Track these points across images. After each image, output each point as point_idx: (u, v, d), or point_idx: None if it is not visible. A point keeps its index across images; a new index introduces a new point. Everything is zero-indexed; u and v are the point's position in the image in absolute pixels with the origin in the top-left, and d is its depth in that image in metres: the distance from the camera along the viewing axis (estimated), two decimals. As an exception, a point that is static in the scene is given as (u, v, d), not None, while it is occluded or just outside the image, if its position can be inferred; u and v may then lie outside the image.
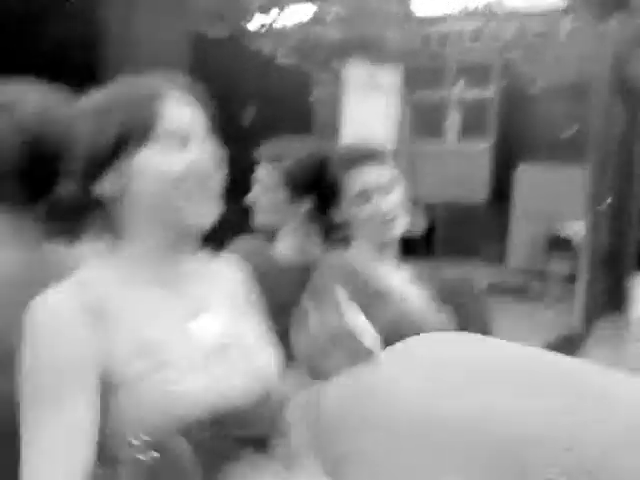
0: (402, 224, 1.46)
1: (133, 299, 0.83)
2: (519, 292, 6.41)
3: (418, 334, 1.35)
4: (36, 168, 0.97)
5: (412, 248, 1.76)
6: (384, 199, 1.43)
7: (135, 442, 0.70)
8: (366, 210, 1.43)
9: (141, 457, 0.67)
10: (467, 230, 8.38)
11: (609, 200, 5.44)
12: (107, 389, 0.76)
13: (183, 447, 0.71)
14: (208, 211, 0.87)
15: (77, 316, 0.77)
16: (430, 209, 8.06)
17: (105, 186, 0.85)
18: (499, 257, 7.96)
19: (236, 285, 1.01)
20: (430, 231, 8.10)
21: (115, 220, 0.88)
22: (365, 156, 1.46)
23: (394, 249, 1.52)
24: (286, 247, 1.53)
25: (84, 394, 0.74)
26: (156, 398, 0.76)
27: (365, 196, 1.43)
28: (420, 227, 7.95)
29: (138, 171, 0.84)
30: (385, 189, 1.44)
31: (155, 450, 0.68)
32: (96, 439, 0.74)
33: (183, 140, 0.86)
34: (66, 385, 0.74)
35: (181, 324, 0.85)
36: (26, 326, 0.75)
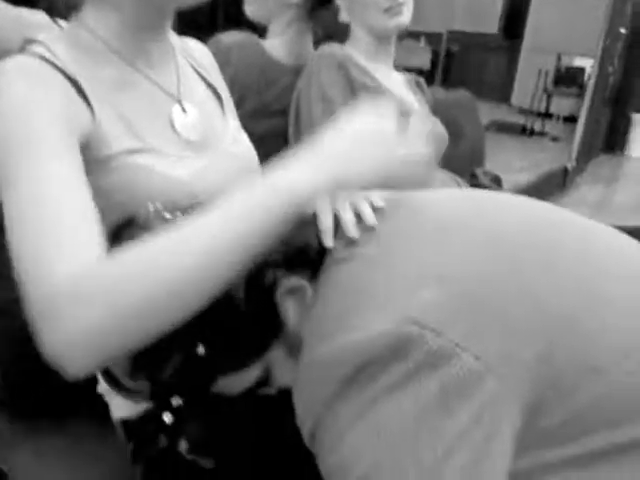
0: (406, 16, 1.35)
1: (108, 76, 0.75)
2: (520, 130, 6.33)
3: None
4: None
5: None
6: None
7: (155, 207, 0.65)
8: None
9: (167, 215, 0.63)
10: (473, 65, 8.05)
11: (623, 30, 5.14)
12: (94, 166, 0.70)
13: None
14: None
15: (49, 77, 0.68)
16: (435, 39, 7.67)
17: None
18: (503, 96, 7.73)
19: (210, 75, 0.95)
20: (434, 63, 7.78)
21: None
22: None
23: (392, 49, 1.44)
24: (277, 45, 1.41)
25: (71, 153, 0.65)
26: (147, 179, 0.73)
27: None
28: (425, 60, 7.64)
29: None
30: None
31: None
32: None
33: None
34: (51, 141, 0.63)
35: (161, 111, 0.80)
36: None
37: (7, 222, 0.60)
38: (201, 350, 0.61)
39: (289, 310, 0.65)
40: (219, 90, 0.94)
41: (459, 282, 0.56)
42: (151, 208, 0.64)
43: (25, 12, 1.04)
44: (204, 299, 0.57)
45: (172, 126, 0.80)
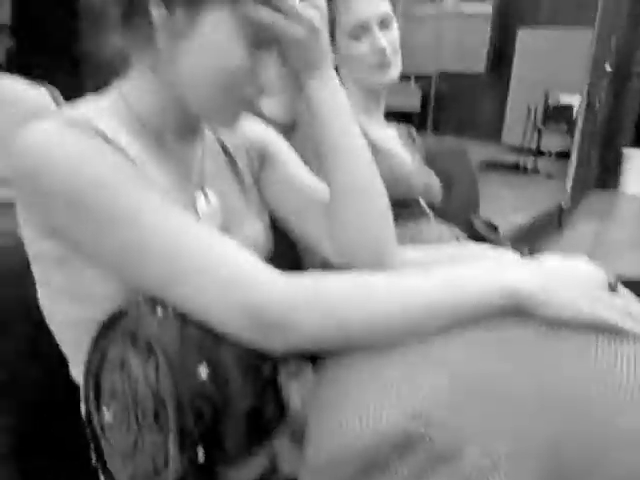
0: (396, 69, 1.37)
1: (139, 152, 0.71)
2: (513, 168, 6.38)
3: (406, 192, 1.34)
4: None
5: (406, 122, 1.69)
6: (383, 34, 1.32)
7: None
8: (363, 45, 1.32)
9: (159, 311, 0.62)
10: (463, 104, 8.17)
11: (608, 68, 5.23)
12: None
13: None
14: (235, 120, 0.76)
15: (97, 138, 0.64)
16: (425, 80, 7.81)
17: (157, 13, 0.67)
18: (494, 134, 7.82)
19: (233, 154, 0.91)
20: (424, 105, 7.90)
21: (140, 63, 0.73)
22: None
23: (383, 102, 1.45)
24: (272, 104, 1.40)
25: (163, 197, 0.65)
26: None
27: (364, 28, 1.31)
28: (415, 102, 7.77)
29: (204, 31, 0.67)
30: (385, 22, 1.33)
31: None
32: None
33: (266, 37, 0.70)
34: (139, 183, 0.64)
35: (185, 195, 0.78)
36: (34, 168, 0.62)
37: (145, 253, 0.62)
38: (201, 455, 0.59)
39: (292, 394, 0.64)
40: (245, 177, 0.90)
41: (466, 377, 0.55)
42: (142, 300, 0.63)
43: (22, 89, 1.04)
44: (403, 337, 0.63)
45: (196, 212, 0.78)
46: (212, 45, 0.68)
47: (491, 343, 0.60)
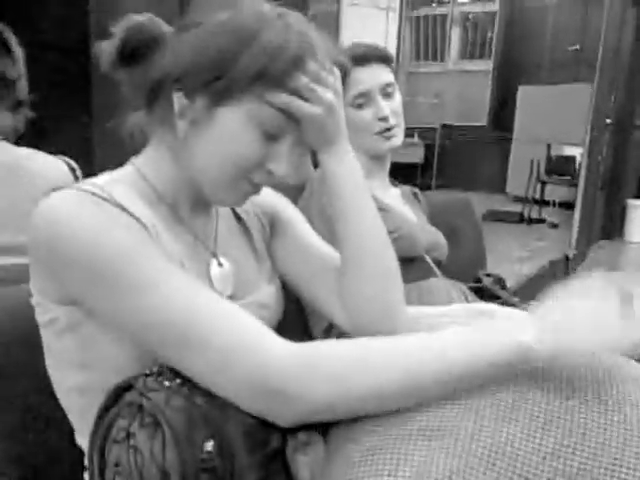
0: (400, 135, 1.39)
1: (155, 222, 0.72)
2: (518, 219, 6.40)
3: (412, 250, 1.34)
4: None
5: (409, 178, 1.71)
6: (386, 102, 1.35)
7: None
8: (367, 114, 1.35)
9: (166, 382, 0.62)
10: (466, 156, 8.27)
11: (609, 121, 5.31)
12: None
13: None
14: (245, 200, 0.79)
15: (113, 208, 0.65)
16: (429, 134, 7.94)
17: (179, 101, 0.71)
18: (498, 186, 7.88)
19: (245, 220, 0.92)
20: (427, 157, 8.02)
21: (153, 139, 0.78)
22: (370, 54, 1.35)
23: (388, 164, 1.47)
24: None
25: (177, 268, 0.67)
26: None
27: (367, 97, 1.34)
28: (419, 155, 7.87)
29: (222, 122, 0.70)
30: (387, 91, 1.36)
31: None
32: None
33: (290, 124, 0.72)
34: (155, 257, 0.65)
35: (199, 263, 0.79)
36: (54, 239, 0.63)
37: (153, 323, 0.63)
38: None
39: (301, 467, 0.63)
40: (257, 243, 0.91)
41: (478, 449, 0.55)
42: (149, 373, 0.63)
43: (41, 161, 1.07)
44: (412, 402, 0.63)
45: (209, 279, 0.79)
46: (227, 135, 0.70)
47: (501, 415, 0.59)
